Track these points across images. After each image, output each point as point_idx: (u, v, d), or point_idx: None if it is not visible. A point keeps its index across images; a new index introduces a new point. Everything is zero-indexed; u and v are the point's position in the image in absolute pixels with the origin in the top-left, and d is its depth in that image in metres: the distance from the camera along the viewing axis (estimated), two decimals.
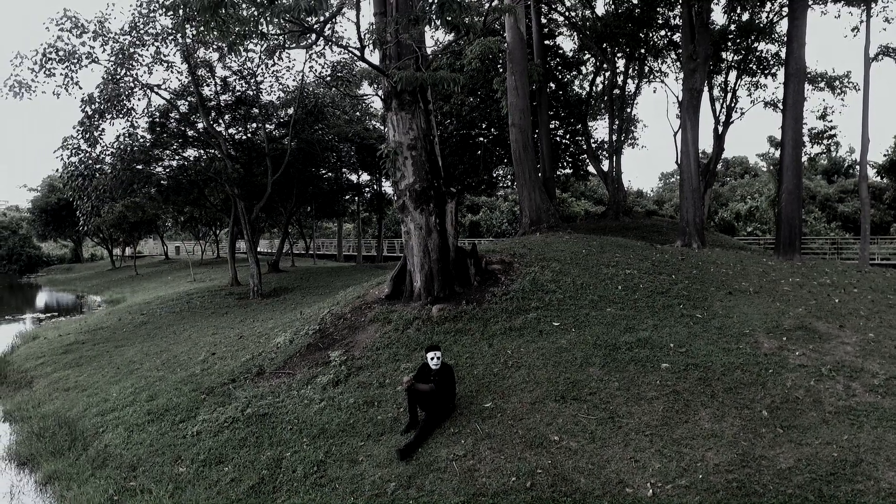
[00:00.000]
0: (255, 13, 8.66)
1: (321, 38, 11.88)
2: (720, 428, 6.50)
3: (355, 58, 14.49)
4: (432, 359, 7.60)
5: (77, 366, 14.47)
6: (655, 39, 27.29)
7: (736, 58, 26.68)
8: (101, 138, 20.35)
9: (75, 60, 19.01)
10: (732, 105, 27.21)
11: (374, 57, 12.20)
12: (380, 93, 12.74)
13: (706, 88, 25.14)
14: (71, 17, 18.93)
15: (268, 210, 32.80)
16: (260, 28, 9.13)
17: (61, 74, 19.00)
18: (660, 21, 26.03)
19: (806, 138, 26.58)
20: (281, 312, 17.90)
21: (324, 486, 6.58)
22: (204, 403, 9.48)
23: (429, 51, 13.15)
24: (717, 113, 27.34)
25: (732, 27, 25.53)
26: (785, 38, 19.22)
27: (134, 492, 7.26)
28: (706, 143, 30.58)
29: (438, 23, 11.37)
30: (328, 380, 9.19)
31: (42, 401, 11.98)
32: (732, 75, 27.16)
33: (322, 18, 10.78)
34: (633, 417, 6.90)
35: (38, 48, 18.67)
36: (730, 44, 25.98)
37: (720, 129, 27.19)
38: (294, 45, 15.10)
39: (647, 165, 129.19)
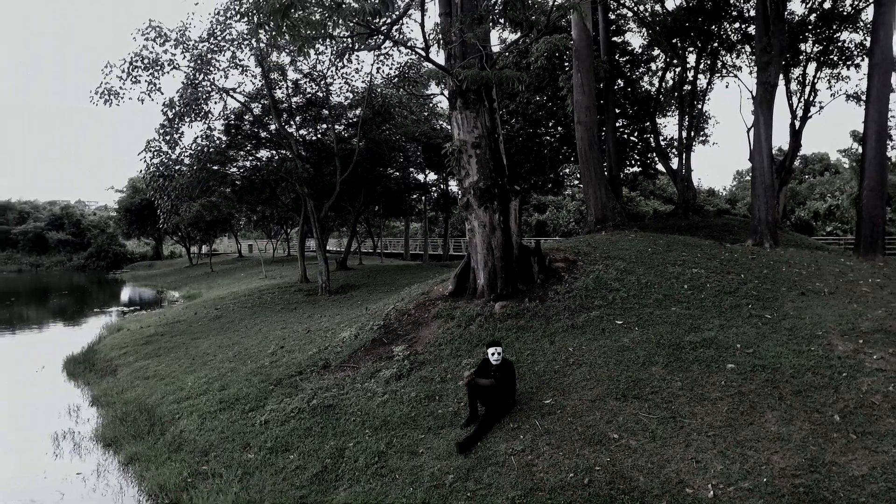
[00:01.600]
0: (325, 15, 8.93)
1: (388, 40, 12.11)
2: (787, 431, 6.29)
3: (421, 58, 14.69)
4: (493, 354, 7.66)
5: (156, 356, 15.27)
6: (728, 32, 26.41)
7: (816, 49, 25.48)
8: (181, 140, 21.39)
9: (158, 67, 19.96)
10: (811, 99, 25.96)
11: (440, 57, 12.35)
12: (445, 92, 12.86)
13: (782, 82, 24.17)
14: (155, 27, 19.82)
15: (337, 209, 33.59)
16: (328, 30, 9.41)
17: (146, 81, 19.97)
18: (732, 13, 25.17)
19: (893, 132, 25.14)
20: (347, 308, 18.32)
21: (384, 476, 6.75)
22: (272, 394, 9.86)
23: (494, 49, 13.17)
24: (794, 107, 26.15)
25: (812, 17, 24.41)
26: (870, 27, 18.26)
27: (206, 475, 7.65)
28: (782, 140, 29.24)
29: (502, 21, 11.42)
30: (391, 374, 9.39)
31: (125, 388, 12.74)
32: (811, 67, 25.91)
33: (388, 20, 10.99)
34: (695, 418, 6.77)
35: (125, 57, 19.72)
36: (809, 34, 24.81)
37: (797, 123, 26.00)
38: (362, 46, 15.42)
39: (720, 163, 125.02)
